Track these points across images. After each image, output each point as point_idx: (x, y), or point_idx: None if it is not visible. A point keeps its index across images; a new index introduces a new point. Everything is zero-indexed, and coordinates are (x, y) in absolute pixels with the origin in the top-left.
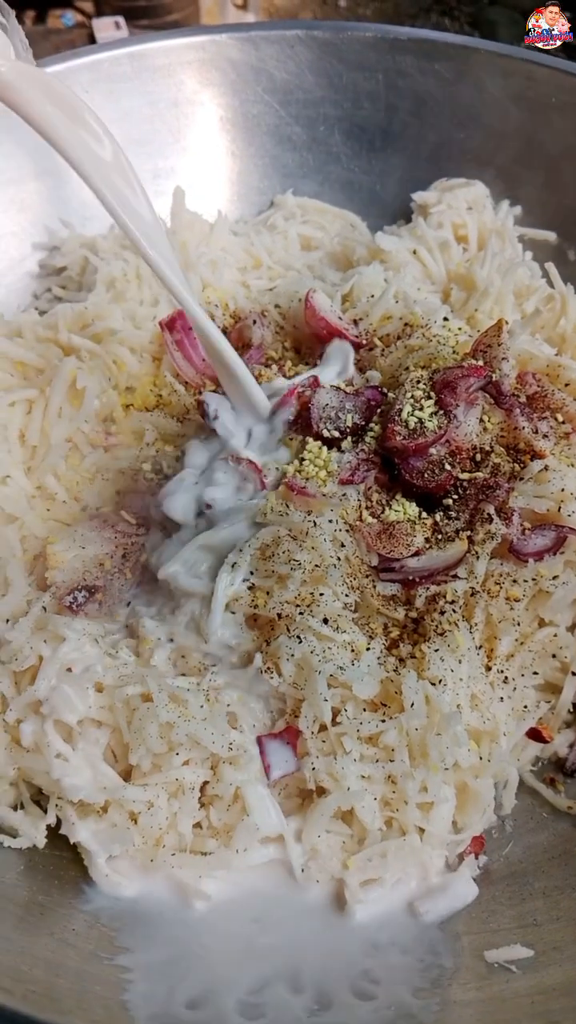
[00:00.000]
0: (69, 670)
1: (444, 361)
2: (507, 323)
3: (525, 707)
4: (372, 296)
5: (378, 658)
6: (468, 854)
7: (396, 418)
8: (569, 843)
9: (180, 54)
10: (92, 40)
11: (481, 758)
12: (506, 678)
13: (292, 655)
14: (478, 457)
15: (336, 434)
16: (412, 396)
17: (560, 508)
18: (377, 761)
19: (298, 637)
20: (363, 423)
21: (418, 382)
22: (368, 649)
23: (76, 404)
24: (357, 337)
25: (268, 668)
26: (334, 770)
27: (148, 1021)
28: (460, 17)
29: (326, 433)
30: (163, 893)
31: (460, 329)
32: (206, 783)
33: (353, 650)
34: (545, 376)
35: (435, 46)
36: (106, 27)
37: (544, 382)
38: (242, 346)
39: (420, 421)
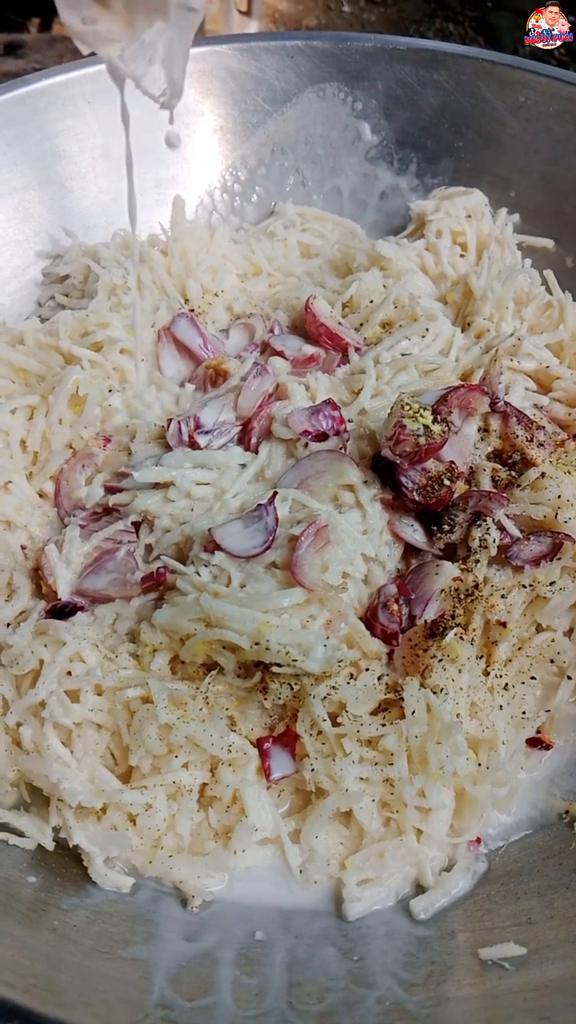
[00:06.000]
0: (69, 674)
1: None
2: (503, 353)
3: (524, 714)
4: (372, 302)
5: (378, 678)
6: (467, 850)
7: (402, 424)
8: (564, 843)
9: None
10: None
11: (480, 765)
12: (506, 684)
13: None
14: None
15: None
16: (410, 407)
17: (557, 515)
18: (376, 764)
19: None
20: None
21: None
22: (367, 670)
23: (77, 411)
24: (357, 343)
25: (263, 687)
26: (333, 772)
27: (148, 1013)
28: (464, 22)
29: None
30: (162, 892)
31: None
32: (205, 785)
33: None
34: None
35: (434, 55)
36: None
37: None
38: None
39: (426, 426)
